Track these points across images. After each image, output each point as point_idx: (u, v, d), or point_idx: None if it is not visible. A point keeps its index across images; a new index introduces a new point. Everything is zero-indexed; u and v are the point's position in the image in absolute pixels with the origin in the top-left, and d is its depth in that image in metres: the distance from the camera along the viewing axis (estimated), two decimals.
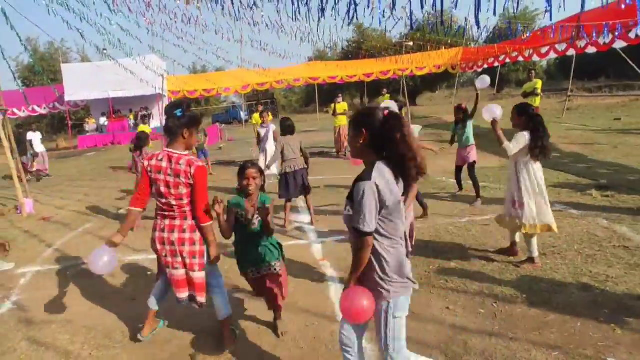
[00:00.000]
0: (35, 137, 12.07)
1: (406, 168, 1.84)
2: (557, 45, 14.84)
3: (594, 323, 2.85)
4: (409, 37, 24.34)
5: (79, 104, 20.68)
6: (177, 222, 2.70)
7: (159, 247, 2.76)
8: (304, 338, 2.98)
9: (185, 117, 2.68)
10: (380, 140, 1.86)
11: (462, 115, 6.17)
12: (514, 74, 30.03)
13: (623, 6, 8.61)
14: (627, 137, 10.18)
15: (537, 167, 3.73)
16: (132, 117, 19.55)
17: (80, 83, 18.91)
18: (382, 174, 1.83)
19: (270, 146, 7.49)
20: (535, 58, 17.01)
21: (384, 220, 1.87)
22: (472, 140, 6.11)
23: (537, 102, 10.27)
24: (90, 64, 22.52)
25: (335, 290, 3.64)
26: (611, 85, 29.10)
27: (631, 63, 14.83)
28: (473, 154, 6.10)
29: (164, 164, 2.64)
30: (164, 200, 2.68)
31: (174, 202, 2.66)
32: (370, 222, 1.80)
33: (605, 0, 4.83)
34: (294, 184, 5.55)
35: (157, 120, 20.35)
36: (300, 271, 4.11)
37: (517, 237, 4.02)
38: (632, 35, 12.21)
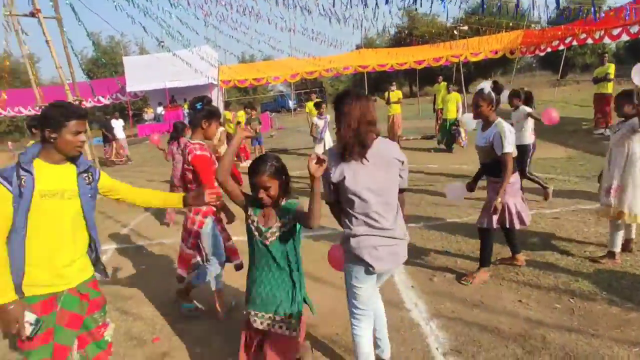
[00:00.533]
0: (117, 125, 13.40)
1: None
2: (630, 27, 13.60)
3: None
4: (464, 21, 23.30)
5: (138, 95, 21.87)
6: None
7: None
8: None
9: (204, 110, 2.98)
10: None
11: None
12: (581, 57, 27.89)
13: None
14: None
15: None
16: (186, 106, 20.39)
17: (140, 74, 19.95)
18: None
19: (328, 136, 7.56)
20: (607, 40, 15.66)
21: None
22: None
23: (609, 88, 9.52)
24: (149, 56, 23.69)
25: (399, 279, 3.64)
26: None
27: None
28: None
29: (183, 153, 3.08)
30: (188, 186, 3.08)
31: (188, 186, 3.07)
32: None
33: None
34: None
35: None
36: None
37: (633, 232, 3.76)
38: None
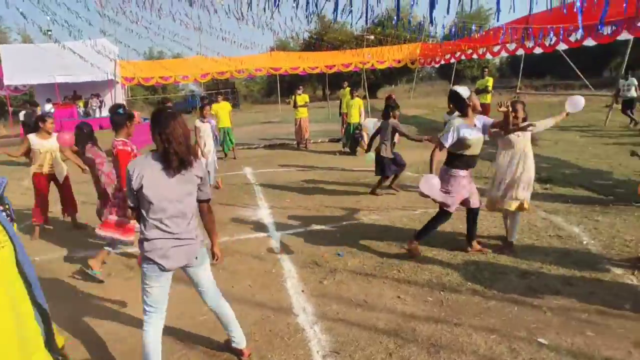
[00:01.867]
0: None
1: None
2: (508, 45, 15.60)
3: (528, 307, 3.11)
4: (370, 30, 24.60)
5: (20, 89, 19.22)
6: None
7: None
8: (260, 331, 3.02)
9: (125, 114, 3.92)
10: None
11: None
12: (469, 70, 31.21)
13: (565, 11, 9.21)
14: (566, 133, 10.92)
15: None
16: (81, 104, 18.44)
17: (22, 66, 17.53)
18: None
19: (211, 144, 6.81)
20: (488, 56, 17.78)
21: None
22: None
23: (488, 98, 10.80)
24: (33, 45, 20.96)
25: (291, 284, 3.70)
26: (554, 84, 31.26)
27: (571, 64, 15.95)
28: None
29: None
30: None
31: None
32: None
33: (549, 5, 5.17)
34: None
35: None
36: (257, 265, 4.14)
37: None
38: (572, 38, 13.07)
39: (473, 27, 13.54)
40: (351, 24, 31.19)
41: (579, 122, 12.71)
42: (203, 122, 6.77)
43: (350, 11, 4.75)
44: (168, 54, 35.13)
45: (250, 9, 7.29)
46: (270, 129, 16.07)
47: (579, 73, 16.74)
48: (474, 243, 4.11)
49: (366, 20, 4.97)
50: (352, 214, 5.50)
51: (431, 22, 4.29)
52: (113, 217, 4.00)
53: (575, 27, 11.42)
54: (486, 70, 11.18)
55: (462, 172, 3.77)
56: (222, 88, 26.12)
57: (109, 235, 3.98)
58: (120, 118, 3.83)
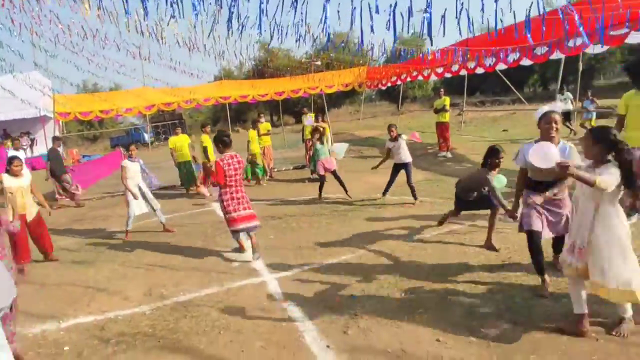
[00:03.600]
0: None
1: None
2: (452, 66, 16.42)
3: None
4: (316, 56, 24.98)
5: None
6: None
7: None
8: None
9: None
10: None
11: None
12: (411, 91, 32.74)
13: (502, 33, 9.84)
14: (516, 146, 11.48)
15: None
16: (9, 143, 16.52)
17: None
18: None
19: (145, 187, 6.55)
20: (433, 77, 18.60)
21: None
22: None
23: (446, 117, 11.11)
24: None
25: (311, 339, 3.22)
26: (485, 101, 33.82)
27: (507, 82, 17.19)
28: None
29: None
30: None
31: None
32: None
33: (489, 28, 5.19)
34: None
35: (43, 146, 17.58)
36: (263, 319, 3.60)
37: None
38: (510, 59, 14.06)
39: (412, 51, 14.17)
40: (297, 47, 31.44)
41: (525, 134, 13.52)
42: (132, 161, 6.45)
43: (300, 37, 4.61)
44: (104, 87, 33.17)
45: (204, 37, 6.94)
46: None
47: (515, 90, 18.08)
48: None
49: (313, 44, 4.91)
50: (348, 249, 5.11)
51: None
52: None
53: (513, 49, 12.36)
54: (442, 90, 11.56)
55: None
56: (169, 119, 24.93)
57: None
58: None
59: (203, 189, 9.04)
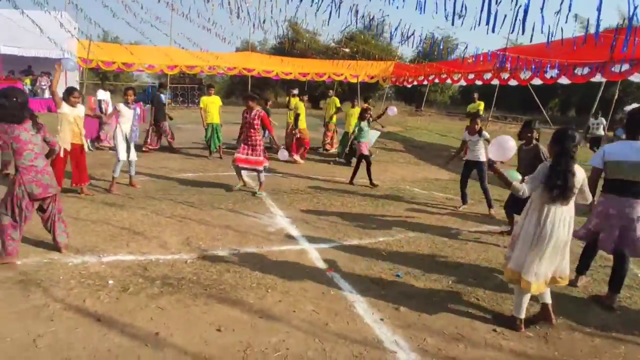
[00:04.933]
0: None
1: None
2: (484, 74, 16.22)
3: (633, 344, 2.87)
4: (343, 43, 24.66)
5: None
6: None
7: None
8: None
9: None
10: None
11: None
12: (432, 94, 32.44)
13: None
14: None
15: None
16: (28, 81, 16.31)
17: None
18: None
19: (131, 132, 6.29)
20: (463, 82, 18.39)
21: None
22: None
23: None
24: None
25: (363, 310, 3.16)
26: (500, 115, 33.65)
27: (537, 101, 17.01)
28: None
29: None
30: None
31: None
32: None
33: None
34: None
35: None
36: (310, 285, 3.55)
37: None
38: (547, 75, 13.87)
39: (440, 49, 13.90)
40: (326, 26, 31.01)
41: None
42: (128, 107, 6.26)
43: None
44: (124, 41, 32.73)
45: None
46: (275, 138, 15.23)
47: (542, 108, 17.91)
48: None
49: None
50: (385, 232, 5.06)
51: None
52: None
53: (553, 63, 12.16)
54: (476, 94, 11.41)
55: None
56: (189, 83, 24.64)
57: None
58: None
59: (298, 159, 9.41)
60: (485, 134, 5.92)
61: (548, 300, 3.04)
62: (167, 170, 7.87)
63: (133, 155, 6.28)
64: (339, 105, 10.77)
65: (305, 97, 11.54)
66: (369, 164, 7.39)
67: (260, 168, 6.36)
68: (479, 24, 4.24)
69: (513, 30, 4.59)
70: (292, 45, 28.18)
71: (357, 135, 7.51)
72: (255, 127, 6.27)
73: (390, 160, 10.46)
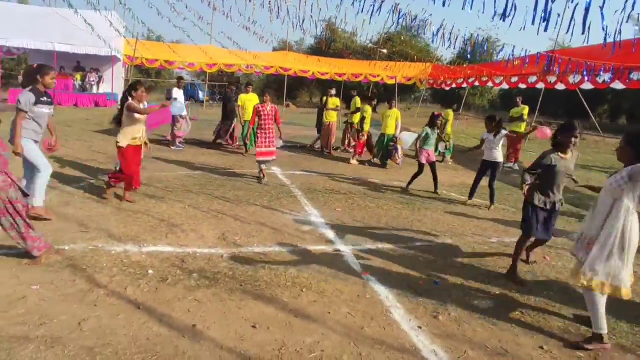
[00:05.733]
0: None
1: None
2: (528, 78, 15.56)
3: None
4: (382, 44, 24.43)
5: (13, 52, 17.76)
6: None
7: None
8: None
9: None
10: None
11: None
12: (472, 97, 31.53)
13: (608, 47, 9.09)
14: (585, 172, 10.77)
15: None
16: (79, 77, 17.20)
17: (17, 27, 16.17)
18: None
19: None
20: (505, 86, 17.74)
21: None
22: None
23: (522, 127, 10.53)
24: (30, 6, 19.64)
25: (400, 317, 3.07)
26: (545, 122, 32.16)
27: (586, 106, 16.09)
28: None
29: None
30: None
31: None
32: None
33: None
34: None
35: (109, 85, 18.19)
36: (343, 286, 3.49)
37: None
38: (599, 79, 13.10)
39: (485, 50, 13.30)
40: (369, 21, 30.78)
41: (597, 162, 12.72)
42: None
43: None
44: (166, 40, 33.91)
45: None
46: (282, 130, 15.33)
47: (592, 116, 16.93)
48: None
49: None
50: (421, 234, 4.93)
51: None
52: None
53: (608, 67, 11.43)
54: (519, 98, 10.95)
55: None
56: (227, 81, 25.21)
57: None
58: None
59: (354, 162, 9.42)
60: (503, 132, 6.22)
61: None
62: (204, 165, 8.04)
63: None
64: (359, 105, 10.44)
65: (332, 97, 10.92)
66: (420, 172, 7.15)
67: (274, 158, 7.13)
68: (533, 23, 4.05)
69: (568, 31, 4.38)
70: (329, 45, 28.17)
71: (423, 141, 7.16)
72: (272, 119, 6.88)
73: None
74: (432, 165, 7.16)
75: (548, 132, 6.23)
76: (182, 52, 18.65)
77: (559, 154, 3.74)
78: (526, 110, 10.46)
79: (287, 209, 5.63)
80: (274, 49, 30.70)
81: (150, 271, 3.46)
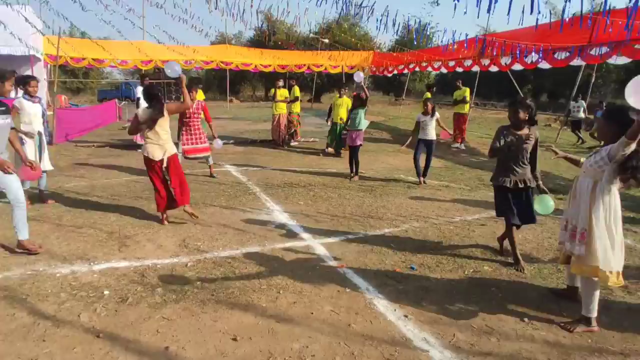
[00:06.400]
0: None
1: None
2: (464, 61, 16.24)
3: None
4: (322, 34, 24.33)
5: None
6: None
7: None
8: None
9: None
10: None
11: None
12: (412, 83, 32.52)
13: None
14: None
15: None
16: None
17: None
18: None
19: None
20: (443, 70, 18.40)
21: None
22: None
23: (466, 108, 10.96)
24: None
25: (384, 308, 2.98)
26: (478, 103, 34.15)
27: (516, 86, 17.17)
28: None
29: None
30: None
31: None
32: None
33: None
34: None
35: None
36: (322, 282, 3.34)
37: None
38: (527, 60, 13.98)
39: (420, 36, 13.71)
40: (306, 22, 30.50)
41: None
42: (31, 101, 5.01)
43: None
44: (93, 36, 31.40)
45: None
46: (229, 126, 14.84)
47: (521, 93, 18.04)
48: None
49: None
50: (389, 223, 4.89)
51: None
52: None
53: (532, 48, 12.22)
54: (460, 81, 11.37)
55: None
56: (164, 78, 23.80)
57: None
58: None
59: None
60: (437, 114, 6.74)
61: (578, 284, 2.94)
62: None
63: (48, 165, 5.32)
64: (297, 94, 10.31)
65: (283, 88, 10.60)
66: (352, 155, 7.20)
67: (209, 154, 6.93)
68: (465, 13, 4.03)
69: (489, 11, 4.37)
70: (269, 37, 27.62)
71: (347, 123, 7.33)
72: (198, 116, 6.73)
73: (378, 150, 10.33)
74: (355, 149, 7.12)
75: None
76: (113, 49, 17.24)
77: (512, 129, 3.80)
78: (467, 92, 10.89)
79: (247, 207, 5.36)
80: (212, 43, 29.55)
81: (106, 292, 3.08)
